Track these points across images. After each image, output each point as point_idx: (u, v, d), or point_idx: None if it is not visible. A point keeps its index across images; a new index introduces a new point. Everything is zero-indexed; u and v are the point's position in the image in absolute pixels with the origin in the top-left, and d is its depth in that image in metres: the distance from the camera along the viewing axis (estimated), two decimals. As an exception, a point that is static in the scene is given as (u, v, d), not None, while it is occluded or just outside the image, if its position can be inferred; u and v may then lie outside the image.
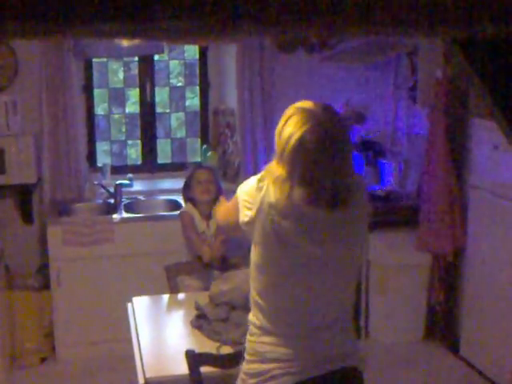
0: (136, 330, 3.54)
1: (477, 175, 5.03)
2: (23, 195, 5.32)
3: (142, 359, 3.21)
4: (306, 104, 2.54)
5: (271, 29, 1.56)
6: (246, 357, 2.64)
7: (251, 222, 2.56)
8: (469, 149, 5.11)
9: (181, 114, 6.24)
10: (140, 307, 3.80)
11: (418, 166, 5.50)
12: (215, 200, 4.41)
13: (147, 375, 3.06)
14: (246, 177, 5.66)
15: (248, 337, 2.67)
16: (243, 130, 5.58)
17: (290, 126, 2.48)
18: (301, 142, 2.44)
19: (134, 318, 3.70)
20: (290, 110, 2.54)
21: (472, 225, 5.10)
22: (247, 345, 2.66)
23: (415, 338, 5.52)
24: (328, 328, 2.61)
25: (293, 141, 2.45)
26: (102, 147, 5.99)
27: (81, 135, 5.46)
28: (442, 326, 5.51)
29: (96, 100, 5.82)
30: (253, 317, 2.65)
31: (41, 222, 5.36)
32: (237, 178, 5.74)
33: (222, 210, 3.10)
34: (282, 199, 2.46)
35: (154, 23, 1.46)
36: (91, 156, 5.76)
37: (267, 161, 5.55)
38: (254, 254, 2.61)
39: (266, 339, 2.58)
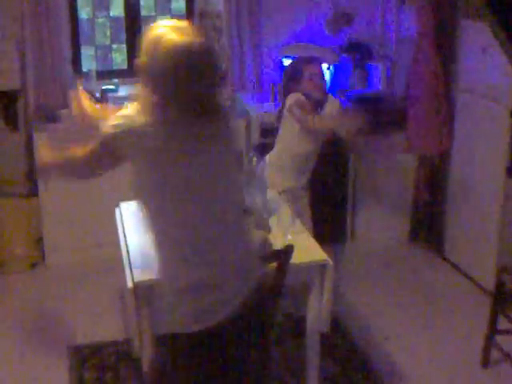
0: (124, 234, 3.57)
1: (465, 77, 5.00)
2: (7, 101, 5.26)
3: (130, 264, 3.24)
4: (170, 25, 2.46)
5: None
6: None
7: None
8: (458, 51, 5.07)
9: (167, 17, 6.13)
10: (127, 212, 3.81)
11: (405, 68, 5.45)
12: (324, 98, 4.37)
13: (136, 279, 3.10)
14: (233, 81, 5.63)
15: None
16: (230, 33, 5.49)
17: (164, 49, 2.38)
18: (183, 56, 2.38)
19: (122, 223, 3.72)
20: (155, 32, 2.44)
21: (460, 127, 5.10)
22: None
23: (400, 240, 5.60)
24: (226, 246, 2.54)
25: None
26: (86, 52, 5.90)
27: (64, 40, 5.36)
28: (427, 227, 5.59)
29: (79, 3, 5.69)
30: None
31: (26, 128, 5.32)
32: (224, 82, 5.68)
33: None
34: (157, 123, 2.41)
35: None
36: (76, 61, 5.67)
37: (254, 65, 5.52)
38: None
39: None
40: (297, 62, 4.45)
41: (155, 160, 2.41)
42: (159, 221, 2.49)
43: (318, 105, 4.33)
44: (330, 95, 4.48)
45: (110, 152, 2.49)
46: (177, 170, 2.42)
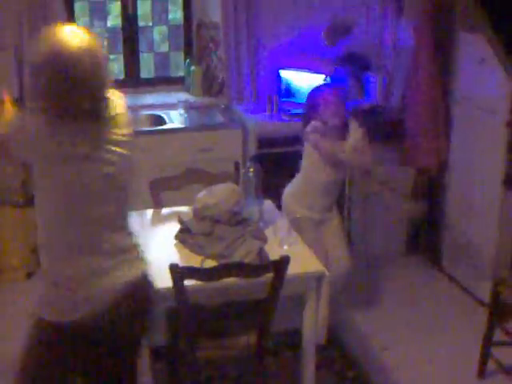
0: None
1: (462, 89, 5.01)
2: (5, 110, 5.25)
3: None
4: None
5: None
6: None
7: None
8: (455, 62, 5.08)
9: (164, 28, 6.13)
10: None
11: (403, 79, 5.46)
12: (345, 124, 4.29)
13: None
14: (230, 92, 5.63)
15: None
16: (227, 44, 5.50)
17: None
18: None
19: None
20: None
21: (457, 138, 5.11)
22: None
23: (398, 251, 5.58)
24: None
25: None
26: (83, 62, 5.89)
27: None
28: (424, 239, 5.58)
29: (77, 13, 5.70)
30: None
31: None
32: (221, 93, 5.69)
33: None
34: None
35: None
36: (73, 71, 5.66)
37: (251, 75, 5.52)
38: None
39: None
40: (313, 91, 4.46)
41: (37, 160, 2.58)
42: (42, 218, 2.65)
43: (339, 131, 4.30)
44: (353, 122, 4.38)
45: (7, 152, 2.67)
46: (54, 170, 2.55)
